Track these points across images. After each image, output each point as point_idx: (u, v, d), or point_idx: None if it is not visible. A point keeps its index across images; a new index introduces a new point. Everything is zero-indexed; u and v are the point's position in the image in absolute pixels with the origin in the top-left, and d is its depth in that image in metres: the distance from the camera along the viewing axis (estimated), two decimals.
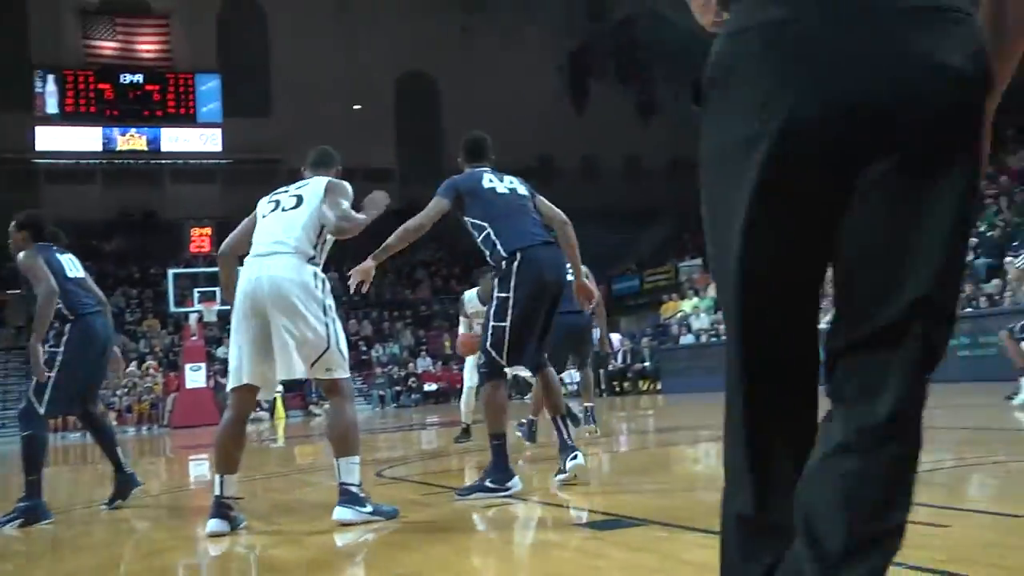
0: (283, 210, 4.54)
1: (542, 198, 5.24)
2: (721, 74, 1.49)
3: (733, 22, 1.50)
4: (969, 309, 16.33)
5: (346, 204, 4.49)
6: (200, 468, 10.67)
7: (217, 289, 24.96)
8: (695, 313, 22.57)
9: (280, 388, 25.57)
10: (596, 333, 9.54)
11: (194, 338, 23.57)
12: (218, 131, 32.87)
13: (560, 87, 34.54)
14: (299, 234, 4.41)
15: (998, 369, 11.19)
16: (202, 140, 32.77)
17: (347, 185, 4.62)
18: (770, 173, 1.41)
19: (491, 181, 5.06)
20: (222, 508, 4.31)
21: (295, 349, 4.27)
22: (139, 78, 32.23)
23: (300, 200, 4.54)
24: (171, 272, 24.99)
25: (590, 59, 34.06)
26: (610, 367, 22.11)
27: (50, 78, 31.34)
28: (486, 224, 4.93)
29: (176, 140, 32.49)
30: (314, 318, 4.30)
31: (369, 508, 4.29)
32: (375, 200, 4.50)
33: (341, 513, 4.25)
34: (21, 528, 5.08)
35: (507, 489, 4.77)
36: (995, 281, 16.66)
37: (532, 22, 33.97)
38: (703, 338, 21.13)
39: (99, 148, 31.81)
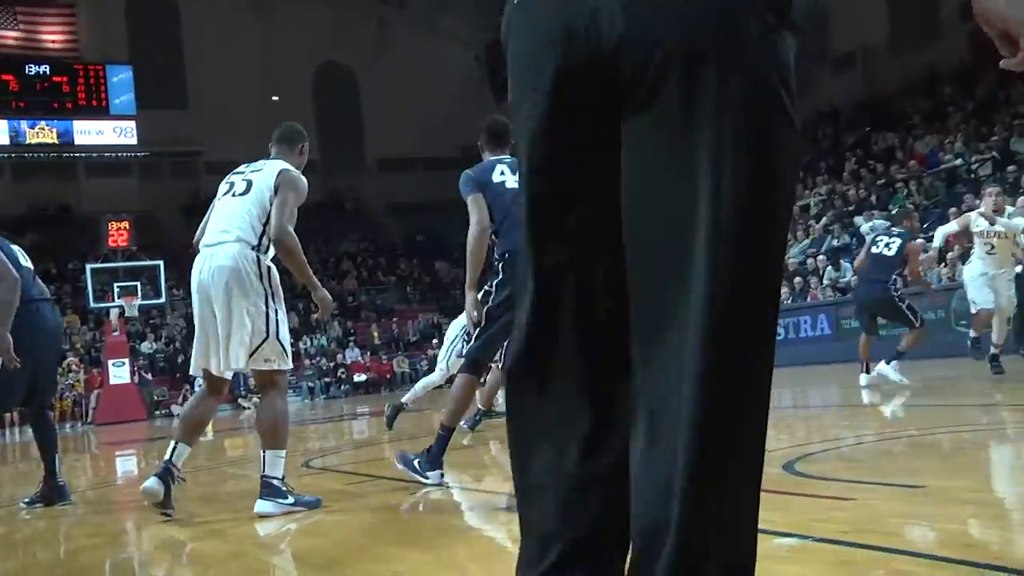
0: (233, 195, 4.51)
1: None
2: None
3: None
4: None
5: (292, 204, 4.43)
6: (127, 464, 10.55)
7: (137, 283, 24.61)
8: None
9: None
10: None
11: (116, 334, 23.19)
12: (132, 123, 32.12)
13: (479, 77, 34.61)
14: (243, 223, 4.38)
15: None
16: (116, 133, 31.99)
17: (299, 180, 4.55)
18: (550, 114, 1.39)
19: (503, 174, 4.74)
20: (165, 472, 4.39)
21: (234, 341, 4.28)
22: (46, 69, 31.22)
23: (250, 186, 4.49)
24: (89, 267, 24.51)
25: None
26: None
27: None
28: (493, 221, 4.69)
29: (89, 133, 31.64)
30: (253, 307, 4.27)
31: (290, 500, 4.33)
32: (324, 307, 4.59)
33: (262, 506, 4.31)
34: None
35: (427, 478, 4.76)
36: None
37: (449, 13, 33.98)
38: None
39: (6, 141, 30.82)
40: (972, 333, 9.68)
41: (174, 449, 4.44)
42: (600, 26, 1.32)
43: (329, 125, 35.63)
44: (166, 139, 32.52)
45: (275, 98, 34.11)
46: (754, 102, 1.29)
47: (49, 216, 31.71)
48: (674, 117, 1.29)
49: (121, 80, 32.03)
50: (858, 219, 19.72)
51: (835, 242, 20.15)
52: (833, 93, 27.46)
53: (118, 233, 27.03)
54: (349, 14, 33.47)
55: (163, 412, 24.55)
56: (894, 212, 19.34)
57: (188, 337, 28.09)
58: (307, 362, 27.43)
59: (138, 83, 31.94)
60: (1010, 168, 18.10)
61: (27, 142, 30.90)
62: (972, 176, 19.37)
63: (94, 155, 32.16)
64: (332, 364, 27.33)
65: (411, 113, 34.00)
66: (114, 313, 23.34)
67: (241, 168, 4.70)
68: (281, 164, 4.59)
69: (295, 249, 4.39)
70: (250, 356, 4.30)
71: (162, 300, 26.34)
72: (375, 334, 29.23)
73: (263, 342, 4.29)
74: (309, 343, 28.23)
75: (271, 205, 4.41)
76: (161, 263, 25.40)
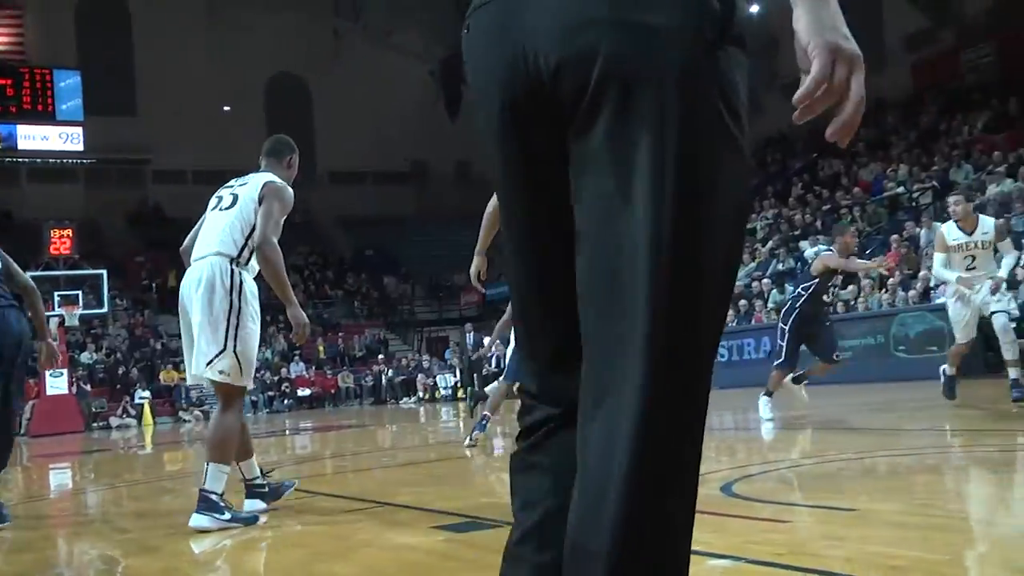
0: (220, 209, 4.58)
1: None
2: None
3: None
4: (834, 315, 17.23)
5: (277, 215, 4.48)
6: (61, 477, 10.39)
7: (79, 292, 24.18)
8: None
9: (147, 394, 24.84)
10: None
11: (55, 343, 22.70)
12: (79, 129, 31.59)
13: (433, 92, 34.68)
14: (225, 236, 4.45)
15: (853, 372, 11.81)
16: (62, 138, 31.43)
17: (285, 190, 4.60)
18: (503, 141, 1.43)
19: None
20: (253, 490, 4.64)
21: (197, 349, 4.36)
22: None
23: (235, 200, 4.56)
24: (29, 275, 23.95)
25: (461, 64, 34.35)
26: (484, 371, 22.30)
27: None
28: None
29: (33, 138, 31.03)
30: (215, 318, 4.32)
31: (227, 515, 4.32)
32: (297, 325, 4.59)
33: (197, 520, 4.28)
34: None
35: None
36: (850, 287, 17.43)
37: (404, 27, 34.00)
38: None
39: None
40: (947, 369, 8.59)
41: (242, 469, 4.67)
42: (538, 53, 1.33)
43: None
44: (114, 146, 32.05)
45: (226, 108, 33.86)
46: (692, 122, 1.26)
47: None
48: (612, 140, 1.28)
49: (69, 85, 31.48)
50: (803, 243, 20.07)
51: (780, 266, 20.47)
52: (781, 119, 27.90)
53: (60, 241, 26.56)
54: (303, 25, 33.37)
55: (101, 424, 24.06)
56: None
57: (130, 348, 27.68)
58: None
59: (86, 88, 31.42)
60: (950, 197, 18.51)
61: None
62: (913, 204, 19.82)
63: (38, 160, 31.57)
64: (276, 378, 27.04)
65: (363, 126, 33.92)
66: (54, 322, 22.79)
67: (231, 182, 4.76)
68: (267, 176, 4.65)
69: (272, 259, 4.44)
70: (207, 365, 4.30)
71: (104, 310, 25.89)
72: (321, 348, 28.98)
73: (219, 353, 4.30)
74: None
75: (256, 217, 4.43)
76: (104, 272, 24.98)
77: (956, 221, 8.45)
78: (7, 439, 5.38)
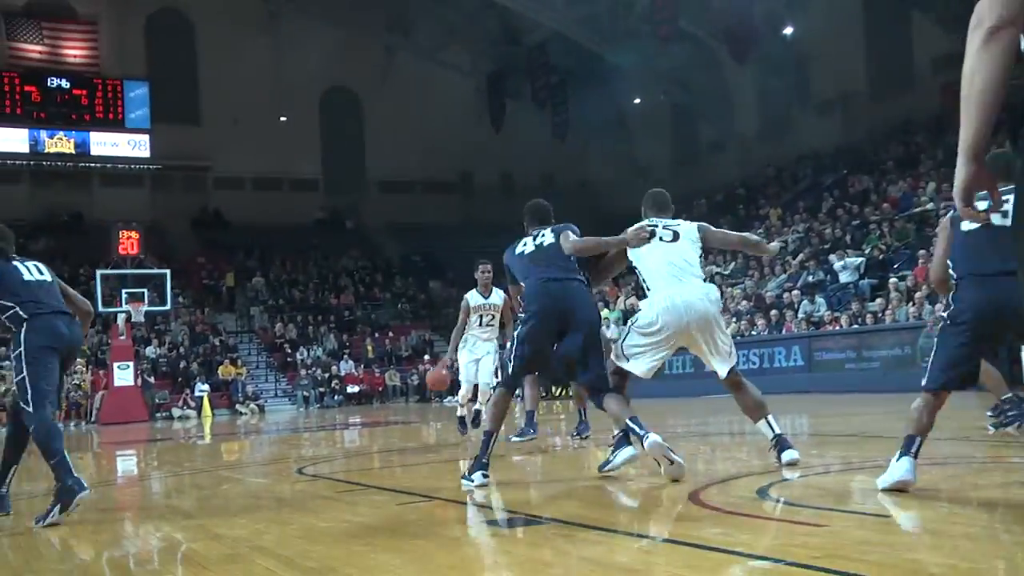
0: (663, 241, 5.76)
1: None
2: None
3: None
4: (855, 326, 17.78)
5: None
6: (127, 463, 10.87)
7: (145, 290, 25.69)
8: (606, 324, 23.95)
9: (207, 387, 26.21)
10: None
11: (122, 337, 24.15)
12: (146, 137, 33.39)
13: (479, 106, 35.91)
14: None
15: (881, 381, 11.84)
16: (130, 145, 33.25)
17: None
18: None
19: (524, 244, 5.86)
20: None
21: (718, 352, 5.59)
22: (66, 82, 32.53)
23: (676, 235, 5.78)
24: (99, 273, 25.52)
25: (507, 80, 35.55)
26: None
27: None
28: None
29: (105, 144, 32.90)
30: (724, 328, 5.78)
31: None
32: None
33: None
34: None
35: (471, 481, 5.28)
36: (879, 300, 18.18)
37: (453, 44, 35.29)
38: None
39: (26, 150, 32.05)
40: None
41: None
42: None
43: (333, 146, 36.95)
44: (178, 153, 33.70)
45: (283, 118, 35.35)
46: None
47: (62, 223, 32.87)
48: None
49: (137, 95, 33.33)
50: (831, 257, 20.81)
51: (810, 278, 21.07)
52: (813, 136, 28.78)
53: (128, 241, 28.06)
54: (357, 41, 34.75)
55: (164, 415, 25.53)
56: (866, 251, 20.43)
57: (192, 343, 29.23)
58: (303, 372, 28.54)
59: (154, 98, 33.24)
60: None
61: (45, 151, 32.14)
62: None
63: (108, 166, 33.36)
64: (327, 375, 28.42)
65: (412, 137, 35.14)
66: (121, 318, 24.29)
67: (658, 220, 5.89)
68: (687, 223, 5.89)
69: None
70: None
71: (168, 307, 27.33)
72: (369, 348, 30.30)
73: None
74: (305, 354, 29.34)
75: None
76: (168, 272, 26.37)
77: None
78: (15, 447, 5.38)
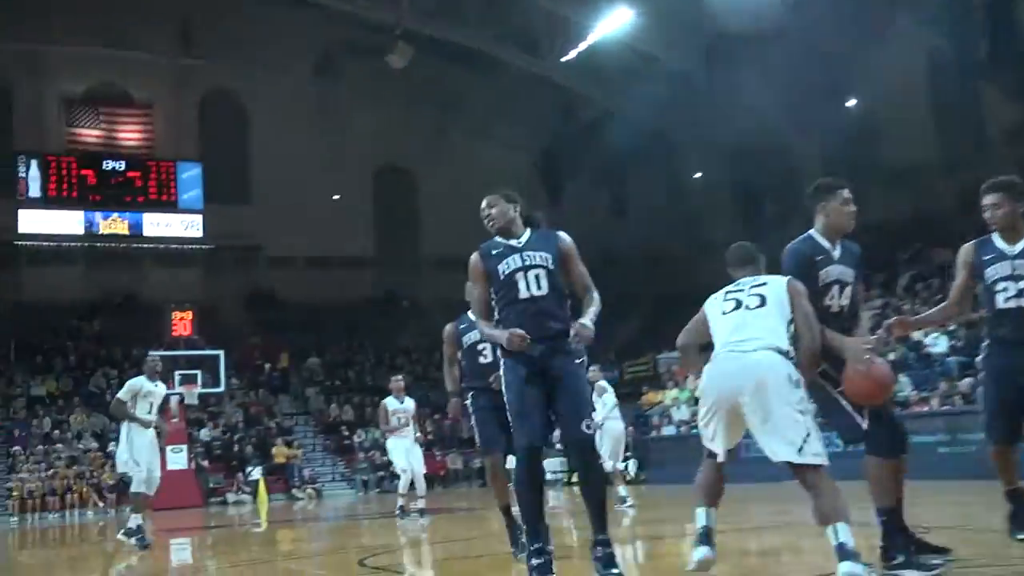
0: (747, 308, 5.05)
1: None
2: None
3: None
4: (946, 407, 16.89)
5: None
6: (182, 553, 10.67)
7: (198, 372, 25.24)
8: (675, 404, 23.12)
9: (261, 470, 25.50)
10: None
11: (175, 420, 23.62)
12: (199, 217, 33.39)
13: (534, 182, 35.60)
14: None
15: (976, 466, 11.14)
16: (183, 226, 33.24)
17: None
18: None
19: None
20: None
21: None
22: (121, 164, 32.75)
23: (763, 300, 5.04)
24: (152, 354, 25.10)
25: (562, 157, 35.35)
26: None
27: (33, 163, 31.73)
28: None
29: (158, 225, 32.92)
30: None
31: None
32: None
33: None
34: None
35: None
36: (967, 380, 17.12)
37: (504, 120, 35.16)
38: (683, 429, 21.55)
39: (81, 231, 32.11)
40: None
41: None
42: None
43: (387, 224, 36.69)
44: (230, 233, 33.60)
45: (336, 197, 35.23)
46: None
47: (116, 304, 32.67)
48: None
49: (190, 176, 33.47)
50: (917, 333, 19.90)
51: (892, 356, 20.26)
52: (884, 209, 27.97)
53: (181, 322, 27.92)
54: (409, 119, 34.80)
55: (218, 499, 24.81)
56: (952, 329, 19.54)
57: (246, 425, 28.57)
58: (360, 455, 27.71)
59: (206, 178, 33.34)
60: None
61: (100, 232, 32.18)
62: None
63: (161, 247, 33.31)
64: (385, 458, 27.51)
65: (467, 214, 34.60)
66: (174, 400, 23.82)
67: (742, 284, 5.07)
68: (777, 279, 5.02)
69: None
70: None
71: (221, 389, 26.92)
72: (428, 430, 29.46)
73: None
74: (363, 436, 28.53)
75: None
76: (221, 353, 26.00)
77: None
78: None
